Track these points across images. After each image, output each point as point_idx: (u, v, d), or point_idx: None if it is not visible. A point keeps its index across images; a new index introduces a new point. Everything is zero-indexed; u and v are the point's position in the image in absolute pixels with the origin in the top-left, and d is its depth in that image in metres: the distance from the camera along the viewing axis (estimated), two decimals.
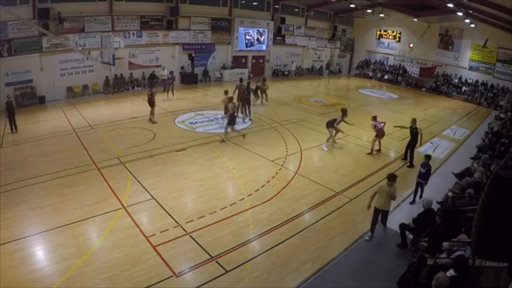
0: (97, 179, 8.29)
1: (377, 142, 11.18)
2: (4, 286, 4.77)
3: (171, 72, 17.58)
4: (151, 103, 12.77)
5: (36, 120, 12.59)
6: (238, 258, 5.75)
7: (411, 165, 10.27)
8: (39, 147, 10.41)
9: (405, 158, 10.67)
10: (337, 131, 11.54)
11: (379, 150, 11.25)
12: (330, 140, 11.56)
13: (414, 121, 10.31)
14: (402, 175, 9.63)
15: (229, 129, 11.23)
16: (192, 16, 20.63)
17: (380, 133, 10.92)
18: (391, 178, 6.38)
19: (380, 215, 6.59)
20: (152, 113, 12.91)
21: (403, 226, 6.34)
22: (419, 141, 10.38)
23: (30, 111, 14.09)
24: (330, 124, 11.32)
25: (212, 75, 22.64)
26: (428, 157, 8.19)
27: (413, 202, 8.06)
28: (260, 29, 24.35)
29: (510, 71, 22.55)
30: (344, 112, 11.38)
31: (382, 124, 10.95)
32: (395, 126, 11.50)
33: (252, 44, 24.43)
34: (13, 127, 11.52)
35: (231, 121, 11.14)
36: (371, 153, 11.06)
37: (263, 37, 24.70)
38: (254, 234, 6.46)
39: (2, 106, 14.05)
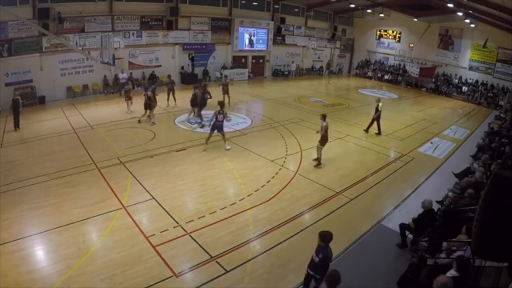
0: (97, 179, 8.29)
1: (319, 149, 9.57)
2: (4, 286, 4.77)
3: (169, 76, 15.73)
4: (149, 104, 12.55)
5: (36, 120, 12.59)
6: (238, 258, 5.74)
7: (380, 133, 13.02)
8: (39, 147, 10.40)
9: (367, 130, 13.12)
10: None
11: (316, 159, 9.70)
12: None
13: (378, 99, 12.99)
14: (402, 175, 9.73)
15: None
16: (192, 16, 20.63)
17: (323, 138, 9.40)
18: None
19: None
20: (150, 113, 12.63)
21: (403, 226, 6.34)
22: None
23: (30, 111, 14.01)
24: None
25: (212, 75, 22.62)
26: (325, 237, 4.48)
27: None
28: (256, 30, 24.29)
29: (510, 71, 22.56)
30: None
31: (324, 128, 9.31)
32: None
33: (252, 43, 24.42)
34: (16, 124, 11.66)
35: None
36: (319, 164, 9.58)
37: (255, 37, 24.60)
38: (254, 234, 6.46)
39: (3, 106, 14.12)
